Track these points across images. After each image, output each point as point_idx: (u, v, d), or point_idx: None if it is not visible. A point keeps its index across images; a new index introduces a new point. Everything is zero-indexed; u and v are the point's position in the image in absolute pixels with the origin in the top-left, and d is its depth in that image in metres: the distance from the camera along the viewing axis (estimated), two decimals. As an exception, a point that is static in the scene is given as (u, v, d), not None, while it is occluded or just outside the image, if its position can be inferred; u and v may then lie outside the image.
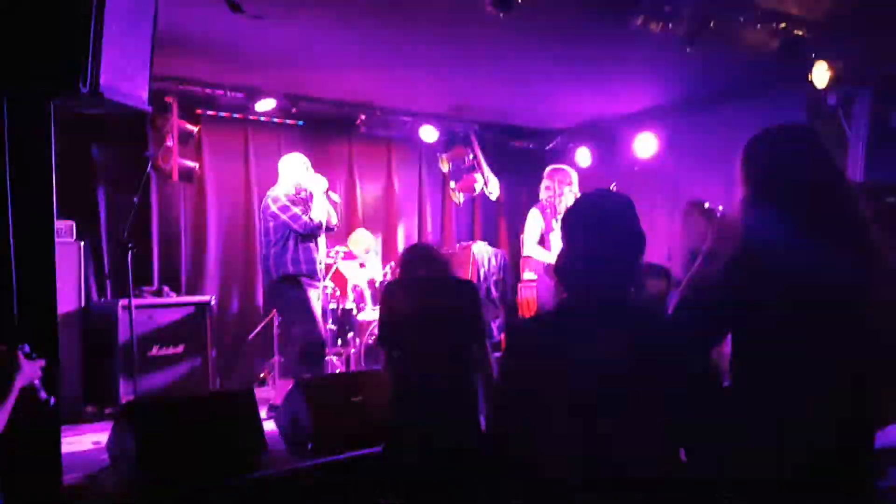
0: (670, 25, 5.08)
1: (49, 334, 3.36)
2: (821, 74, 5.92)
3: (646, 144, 7.88)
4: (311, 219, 5.55)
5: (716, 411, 1.81)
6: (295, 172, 5.81)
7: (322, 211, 5.66)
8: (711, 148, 6.62)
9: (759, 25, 5.38)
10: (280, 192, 5.72)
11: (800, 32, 5.57)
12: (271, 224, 5.61)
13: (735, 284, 1.83)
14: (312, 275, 5.64)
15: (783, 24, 5.46)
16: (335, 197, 6.13)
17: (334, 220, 5.95)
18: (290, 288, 5.58)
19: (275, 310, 6.32)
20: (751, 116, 7.07)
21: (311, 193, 5.69)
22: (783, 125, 2.02)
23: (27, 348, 2.31)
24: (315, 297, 5.66)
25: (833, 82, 5.98)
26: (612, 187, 6.38)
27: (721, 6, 5.18)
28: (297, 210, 5.59)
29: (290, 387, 4.52)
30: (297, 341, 5.63)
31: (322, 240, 5.88)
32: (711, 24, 5.15)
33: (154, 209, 6.91)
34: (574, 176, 6.44)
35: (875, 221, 1.88)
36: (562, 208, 6.38)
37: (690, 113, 7.61)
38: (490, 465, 3.54)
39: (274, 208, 5.61)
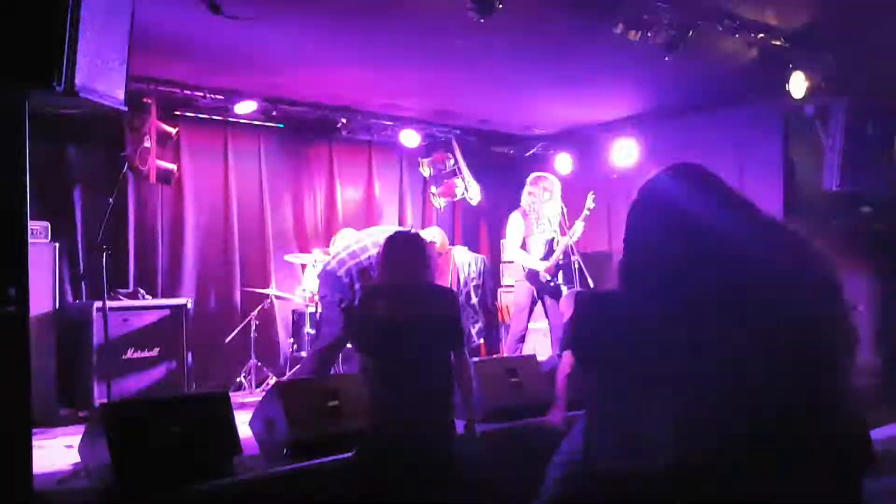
0: (649, 34, 5.11)
1: (21, 336, 3.32)
2: (798, 85, 5.98)
3: (625, 152, 7.92)
4: None
5: None
6: None
7: None
8: (690, 156, 6.64)
9: (737, 35, 5.42)
10: None
11: (777, 43, 5.63)
12: None
13: None
14: None
15: (761, 35, 5.51)
16: None
17: None
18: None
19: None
20: (729, 125, 7.15)
21: None
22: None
23: None
24: None
25: (810, 92, 6.05)
26: (590, 197, 6.43)
27: (700, 15, 5.21)
28: None
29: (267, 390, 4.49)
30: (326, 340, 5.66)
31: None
32: (690, 33, 5.19)
33: (131, 211, 6.85)
34: (557, 184, 6.48)
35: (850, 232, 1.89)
36: (543, 214, 6.41)
37: (669, 121, 7.66)
38: (464, 471, 3.55)
39: None
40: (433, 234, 6.48)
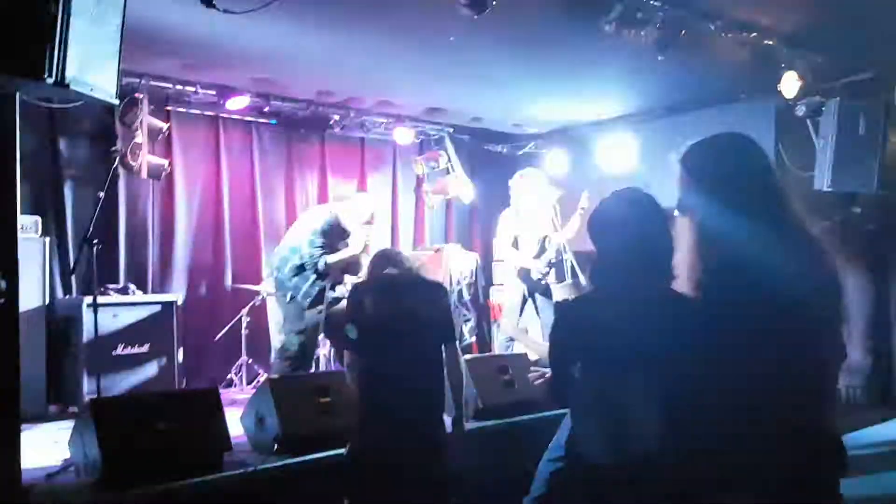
0: (642, 32, 5.11)
1: (11, 331, 3.30)
2: (790, 84, 6.00)
3: (618, 151, 7.93)
4: (325, 262, 5.83)
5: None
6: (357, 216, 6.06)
7: (340, 260, 5.92)
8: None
9: (730, 35, 5.43)
10: (329, 217, 6.01)
11: (770, 42, 5.65)
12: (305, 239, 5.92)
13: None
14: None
15: (754, 34, 5.53)
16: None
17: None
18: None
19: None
20: (721, 125, 7.13)
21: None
22: (722, 134, 2.10)
23: None
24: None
25: (802, 92, 6.07)
26: (584, 195, 6.41)
27: (693, 14, 5.22)
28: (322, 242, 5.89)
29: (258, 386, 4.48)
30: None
31: None
32: (682, 32, 5.19)
33: (121, 206, 6.79)
34: (544, 180, 6.46)
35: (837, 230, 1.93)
36: (532, 211, 6.39)
37: (661, 120, 7.66)
38: (454, 468, 3.54)
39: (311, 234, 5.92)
40: (364, 203, 6.32)
